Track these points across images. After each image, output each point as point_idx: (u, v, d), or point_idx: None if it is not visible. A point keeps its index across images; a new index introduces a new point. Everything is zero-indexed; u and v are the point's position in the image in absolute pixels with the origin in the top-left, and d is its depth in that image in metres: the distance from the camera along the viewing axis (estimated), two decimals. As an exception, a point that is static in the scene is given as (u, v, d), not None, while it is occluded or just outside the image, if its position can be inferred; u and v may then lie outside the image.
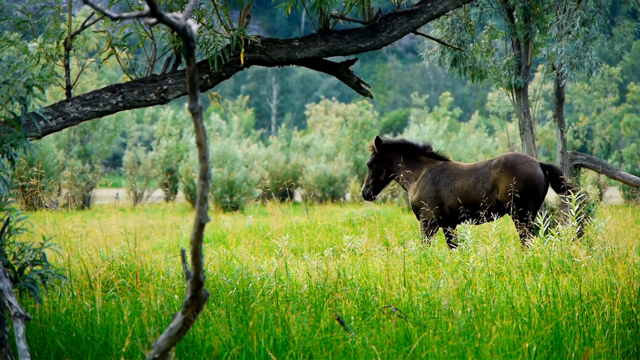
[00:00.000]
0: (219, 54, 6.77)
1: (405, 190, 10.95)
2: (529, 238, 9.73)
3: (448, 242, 10.55)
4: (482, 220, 10.39)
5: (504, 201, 10.27)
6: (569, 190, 10.17)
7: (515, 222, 10.19)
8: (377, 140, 10.88)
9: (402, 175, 10.83)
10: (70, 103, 6.47)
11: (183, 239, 12.53)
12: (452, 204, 10.45)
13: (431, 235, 10.48)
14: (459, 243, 9.22)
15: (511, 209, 10.13)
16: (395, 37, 7.01)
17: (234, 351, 5.62)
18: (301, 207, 24.03)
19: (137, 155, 28.21)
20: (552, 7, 12.46)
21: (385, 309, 6.36)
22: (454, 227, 10.58)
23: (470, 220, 10.42)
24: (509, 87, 13.07)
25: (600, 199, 25.10)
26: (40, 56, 6.66)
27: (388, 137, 11.27)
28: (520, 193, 10.13)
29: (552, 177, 10.40)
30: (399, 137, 11.35)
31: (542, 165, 10.45)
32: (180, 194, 28.21)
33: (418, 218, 10.68)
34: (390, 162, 10.90)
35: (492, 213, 10.32)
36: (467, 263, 8.04)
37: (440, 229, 10.82)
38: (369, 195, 10.96)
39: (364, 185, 11.05)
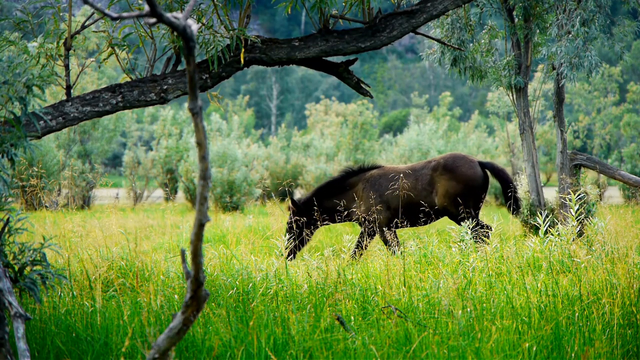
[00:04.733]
0: (219, 54, 6.77)
1: (351, 220, 10.75)
2: (481, 238, 9.81)
3: (364, 245, 10.47)
4: (422, 222, 10.38)
5: (442, 203, 10.26)
6: (510, 185, 10.27)
7: (458, 224, 10.20)
8: (293, 202, 10.67)
9: (337, 211, 10.65)
10: (70, 103, 6.47)
11: (183, 239, 12.53)
12: (396, 205, 10.41)
13: (390, 237, 10.40)
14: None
15: (453, 211, 10.16)
16: (395, 37, 7.01)
17: (234, 351, 5.62)
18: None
19: (137, 155, 28.21)
20: (552, 7, 12.46)
21: (385, 309, 6.36)
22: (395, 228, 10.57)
23: (410, 221, 10.43)
24: (509, 87, 13.07)
25: (600, 199, 25.09)
26: (40, 56, 6.67)
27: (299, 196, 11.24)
28: (460, 195, 10.15)
29: (495, 174, 10.41)
30: (315, 188, 11.19)
31: (482, 164, 10.44)
32: (180, 194, 28.21)
33: (365, 228, 10.57)
34: (322, 211, 10.63)
35: (432, 214, 10.33)
36: (467, 263, 8.04)
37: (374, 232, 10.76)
38: (291, 255, 10.52)
39: (286, 251, 10.58)
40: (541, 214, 11.08)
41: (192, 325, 4.11)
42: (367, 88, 7.33)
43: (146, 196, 27.75)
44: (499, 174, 10.38)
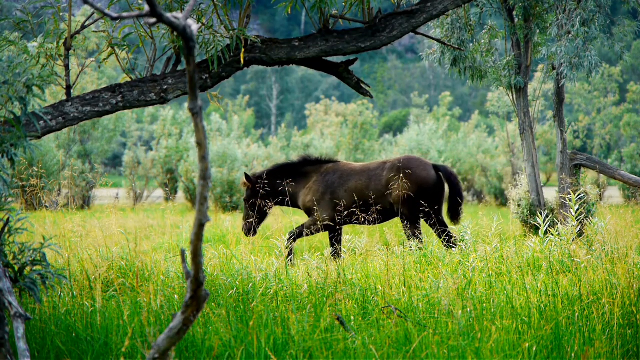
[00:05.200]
0: (219, 54, 6.77)
1: (295, 206, 10.82)
2: (416, 240, 9.89)
3: (333, 243, 10.47)
4: (372, 222, 10.41)
5: (396, 204, 10.30)
6: (460, 191, 10.35)
7: (405, 225, 10.25)
8: (247, 177, 10.78)
9: (289, 195, 10.73)
10: (70, 103, 6.47)
11: (183, 239, 12.53)
12: (346, 202, 10.43)
13: (312, 234, 10.43)
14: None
15: (402, 212, 10.20)
16: (395, 37, 7.01)
17: (234, 351, 5.62)
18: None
19: (137, 155, 28.21)
20: (552, 7, 12.46)
21: (385, 309, 6.36)
22: (340, 227, 10.59)
23: (359, 219, 10.46)
24: (509, 87, 13.07)
25: (600, 199, 25.09)
26: (40, 56, 6.66)
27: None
28: (414, 196, 10.19)
29: (447, 178, 10.48)
30: (272, 164, 11.28)
31: (436, 167, 10.49)
32: (180, 194, 28.21)
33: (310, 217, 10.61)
34: (271, 190, 10.74)
35: (383, 214, 10.37)
36: (467, 263, 8.04)
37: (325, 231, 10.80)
38: (249, 231, 10.73)
39: (243, 223, 10.82)
40: (541, 214, 11.09)
41: (192, 325, 4.11)
42: (367, 88, 7.33)
43: (146, 196, 27.75)
44: (450, 178, 10.48)
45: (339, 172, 10.62)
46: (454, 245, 9.91)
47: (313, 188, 10.53)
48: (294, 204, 10.83)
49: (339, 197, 10.47)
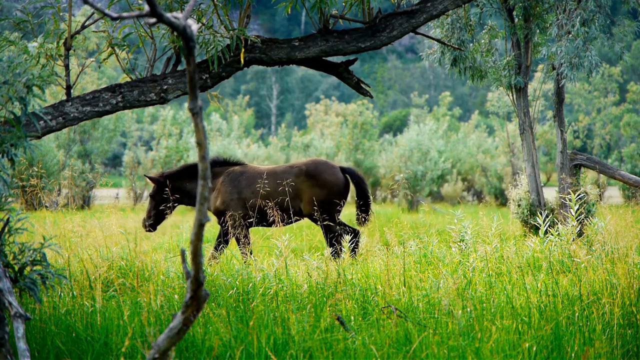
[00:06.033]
0: (219, 54, 6.77)
1: (218, 215, 10.76)
2: (337, 244, 9.95)
3: (332, 243, 10.48)
4: (279, 224, 10.44)
5: (307, 208, 10.32)
6: (367, 194, 10.41)
7: (323, 228, 10.28)
8: (150, 178, 10.77)
9: (194, 195, 10.73)
10: (70, 103, 6.47)
11: (183, 239, 12.53)
12: (252, 205, 10.42)
13: (244, 236, 10.42)
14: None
15: (316, 216, 10.25)
16: (395, 37, 7.01)
17: (234, 351, 5.62)
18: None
19: (137, 155, 28.21)
20: (552, 7, 12.46)
21: (385, 309, 6.36)
22: (248, 229, 10.62)
23: (267, 222, 10.49)
24: (509, 87, 13.07)
25: (600, 199, 25.08)
26: (40, 56, 6.66)
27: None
28: (324, 200, 10.22)
29: (354, 181, 10.52)
30: (180, 165, 11.28)
31: (343, 170, 10.51)
32: (181, 194, 28.16)
33: (222, 224, 10.56)
34: (177, 190, 10.71)
35: (290, 217, 10.39)
36: (467, 263, 8.04)
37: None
38: (150, 226, 10.71)
39: (145, 217, 10.79)
40: (541, 214, 11.09)
41: (192, 325, 4.11)
42: (367, 88, 7.33)
43: (146, 196, 27.75)
44: (358, 181, 10.53)
45: (246, 173, 10.63)
46: (336, 244, 10.02)
47: (222, 190, 10.54)
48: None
49: (246, 197, 10.48)
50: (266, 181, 10.39)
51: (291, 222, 10.51)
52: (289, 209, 10.32)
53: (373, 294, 6.88)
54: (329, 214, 10.28)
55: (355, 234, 10.37)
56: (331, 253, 10.10)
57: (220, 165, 10.86)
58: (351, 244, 10.13)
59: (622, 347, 5.81)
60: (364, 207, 10.52)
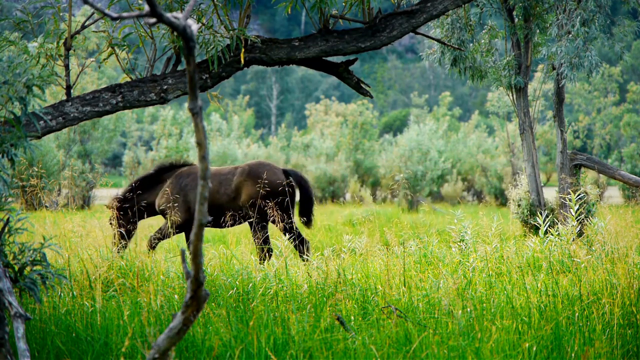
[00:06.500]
0: (219, 54, 6.77)
1: (164, 215, 10.83)
2: (264, 247, 10.01)
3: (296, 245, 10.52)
4: (223, 225, 10.48)
5: (245, 207, 10.38)
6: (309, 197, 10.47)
7: (253, 229, 10.34)
8: (113, 206, 10.84)
9: (150, 205, 10.78)
10: (70, 103, 6.47)
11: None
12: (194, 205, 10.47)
13: (166, 237, 10.45)
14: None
15: (253, 215, 10.29)
16: (395, 37, 7.01)
17: (234, 351, 5.62)
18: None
19: (137, 155, 28.22)
20: (552, 7, 12.46)
21: (385, 309, 6.36)
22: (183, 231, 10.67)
23: (212, 222, 10.54)
24: (509, 87, 13.07)
25: (600, 199, 25.09)
26: (40, 56, 6.66)
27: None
28: (264, 200, 10.28)
29: (297, 183, 10.59)
30: (133, 180, 11.34)
31: (286, 172, 10.57)
32: (180, 194, 28.16)
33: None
34: (138, 203, 10.78)
35: (235, 218, 10.44)
36: (467, 263, 8.04)
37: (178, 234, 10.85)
38: (120, 248, 10.59)
39: (114, 241, 10.62)
40: (541, 214, 11.09)
41: (192, 325, 4.11)
42: (367, 88, 7.33)
43: (146, 196, 27.74)
44: (300, 182, 10.64)
45: (192, 174, 10.72)
46: (307, 253, 10.05)
47: (166, 191, 10.61)
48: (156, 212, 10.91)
49: (191, 200, 10.55)
50: (210, 182, 10.41)
51: (234, 224, 10.59)
52: (229, 209, 10.42)
53: (373, 294, 6.88)
54: (263, 215, 10.32)
55: (301, 240, 10.40)
56: (261, 258, 10.16)
57: (168, 170, 10.94)
58: (297, 248, 10.24)
59: (622, 347, 5.81)
60: (306, 209, 10.59)
